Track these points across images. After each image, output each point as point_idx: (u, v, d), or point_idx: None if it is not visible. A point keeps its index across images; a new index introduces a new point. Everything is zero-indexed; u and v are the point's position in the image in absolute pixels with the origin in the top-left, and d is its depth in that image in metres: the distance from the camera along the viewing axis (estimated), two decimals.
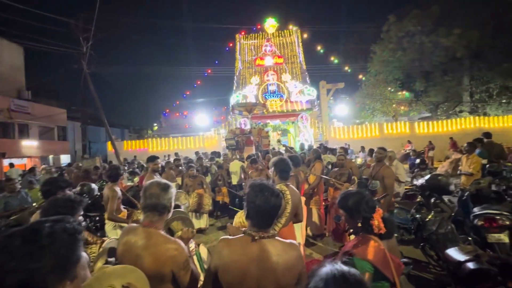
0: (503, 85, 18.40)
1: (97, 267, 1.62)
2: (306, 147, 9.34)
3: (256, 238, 1.22)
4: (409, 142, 13.65)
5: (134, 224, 1.42)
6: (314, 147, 9.42)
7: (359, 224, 1.43)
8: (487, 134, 5.75)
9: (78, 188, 3.94)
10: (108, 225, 3.16)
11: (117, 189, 3.16)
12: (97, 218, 4.10)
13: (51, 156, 19.00)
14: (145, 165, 7.53)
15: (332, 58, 26.18)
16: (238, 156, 7.82)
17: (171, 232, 1.63)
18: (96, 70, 16.55)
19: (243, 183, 6.19)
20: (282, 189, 2.17)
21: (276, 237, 1.28)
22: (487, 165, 5.15)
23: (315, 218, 4.77)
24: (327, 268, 0.75)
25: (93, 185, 4.09)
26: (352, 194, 1.56)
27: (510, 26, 16.70)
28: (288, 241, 1.31)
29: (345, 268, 0.76)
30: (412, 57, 19.27)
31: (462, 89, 19.59)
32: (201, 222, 5.09)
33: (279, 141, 9.73)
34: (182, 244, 1.36)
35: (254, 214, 1.27)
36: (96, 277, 1.00)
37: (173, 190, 1.48)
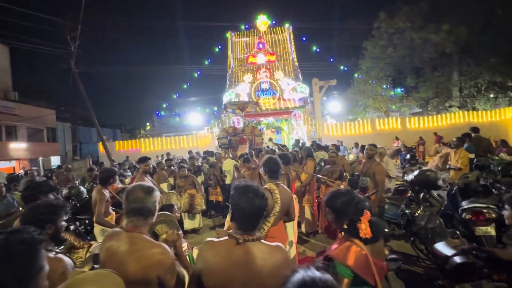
0: (491, 80, 18.77)
1: None
2: (300, 143, 9.36)
3: (240, 241, 1.19)
4: (397, 138, 13.80)
5: (118, 229, 1.39)
6: (307, 144, 9.47)
7: (345, 226, 1.39)
8: (475, 129, 5.86)
9: (65, 191, 3.86)
10: (97, 229, 3.10)
11: (106, 191, 3.10)
12: (87, 221, 4.03)
13: (40, 158, 18.59)
14: (137, 166, 7.43)
15: (324, 55, 26.28)
16: (231, 155, 7.79)
17: (155, 236, 1.60)
18: (86, 70, 16.26)
19: None
20: (271, 188, 2.15)
21: (262, 240, 1.26)
22: (475, 160, 5.25)
23: (308, 215, 4.80)
24: (299, 274, 0.75)
25: (82, 188, 4.02)
26: (341, 194, 1.48)
27: (497, 22, 17.02)
28: (274, 244, 1.28)
29: (317, 274, 0.75)
30: (402, 53, 19.48)
31: (451, 84, 19.93)
32: (195, 222, 5.06)
33: (271, 139, 9.74)
34: (168, 247, 1.34)
35: (239, 217, 1.24)
36: (67, 284, 0.95)
37: (157, 193, 1.45)
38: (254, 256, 1.18)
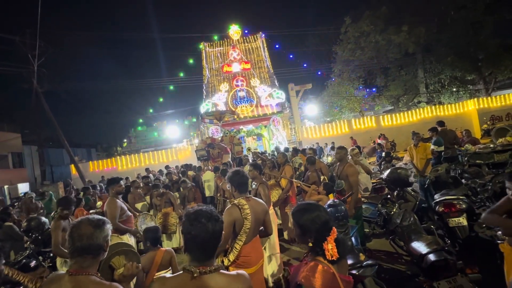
0: (452, 76, 20.18)
1: None
2: (281, 149, 9.33)
3: (195, 275, 1.07)
4: (352, 138, 14.32)
5: (60, 272, 1.22)
6: (290, 148, 9.48)
7: (310, 244, 1.27)
8: (441, 123, 6.14)
9: (24, 224, 3.51)
10: (58, 260, 2.83)
11: (64, 221, 2.84)
12: (52, 254, 3.69)
13: (6, 186, 17.17)
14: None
15: (298, 61, 26.97)
16: (210, 167, 7.60)
17: (111, 270, 1.43)
18: (51, 89, 15.42)
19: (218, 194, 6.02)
20: (240, 203, 2.05)
21: (221, 270, 1.14)
22: (443, 152, 5.50)
23: (291, 221, 4.73)
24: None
25: (43, 219, 3.67)
26: (309, 209, 1.32)
27: (452, 22, 18.42)
28: (234, 273, 1.18)
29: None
30: (370, 55, 20.44)
31: (418, 81, 21.17)
32: (173, 242, 4.79)
33: (249, 149, 9.70)
34: (120, 287, 1.19)
35: (193, 246, 1.13)
36: None
37: (109, 226, 1.30)
38: None
